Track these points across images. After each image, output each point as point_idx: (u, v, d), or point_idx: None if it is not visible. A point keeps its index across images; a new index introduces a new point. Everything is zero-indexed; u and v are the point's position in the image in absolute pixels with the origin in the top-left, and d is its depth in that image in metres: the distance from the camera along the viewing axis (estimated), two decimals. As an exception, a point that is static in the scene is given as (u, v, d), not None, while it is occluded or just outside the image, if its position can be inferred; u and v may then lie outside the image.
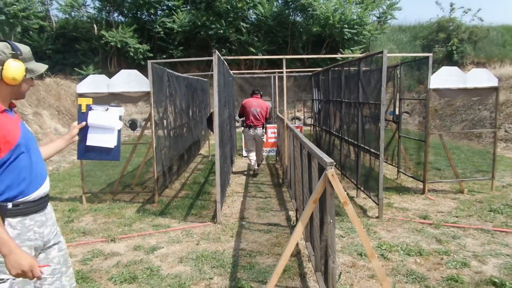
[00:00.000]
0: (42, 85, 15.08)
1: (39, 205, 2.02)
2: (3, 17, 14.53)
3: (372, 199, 5.66)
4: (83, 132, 2.41)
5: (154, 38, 19.85)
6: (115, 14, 20.40)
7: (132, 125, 17.02)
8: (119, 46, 17.55)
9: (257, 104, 7.84)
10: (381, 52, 5.03)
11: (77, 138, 2.40)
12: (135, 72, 6.14)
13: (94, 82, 6.06)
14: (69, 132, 2.38)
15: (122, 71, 6.25)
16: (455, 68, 6.34)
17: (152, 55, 19.19)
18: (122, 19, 20.33)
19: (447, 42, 21.79)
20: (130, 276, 3.72)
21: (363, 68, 5.91)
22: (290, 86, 17.32)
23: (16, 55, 1.91)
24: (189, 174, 8.66)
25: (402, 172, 7.39)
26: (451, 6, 22.42)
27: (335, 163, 2.51)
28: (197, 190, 7.18)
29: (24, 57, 1.95)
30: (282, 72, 6.66)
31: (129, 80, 6.09)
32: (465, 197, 6.28)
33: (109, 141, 2.44)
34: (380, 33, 20.55)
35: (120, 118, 2.49)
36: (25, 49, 1.98)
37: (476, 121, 13.28)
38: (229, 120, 7.91)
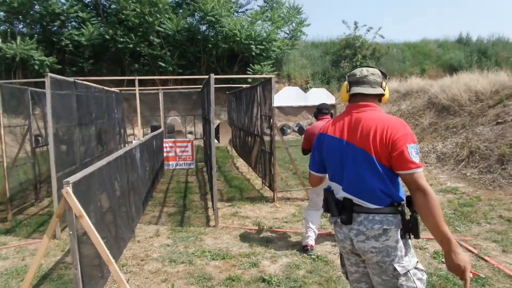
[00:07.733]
0: None
1: None
2: None
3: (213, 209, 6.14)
4: None
5: (63, 51, 19.39)
6: (20, 26, 19.68)
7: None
8: (18, 59, 16.93)
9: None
10: (209, 76, 5.57)
11: None
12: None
13: None
14: None
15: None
16: (297, 88, 7.10)
17: (60, 67, 18.73)
18: (28, 30, 19.60)
19: (353, 58, 23.57)
20: None
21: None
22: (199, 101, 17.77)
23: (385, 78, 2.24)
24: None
25: (264, 183, 8.01)
26: (355, 24, 24.32)
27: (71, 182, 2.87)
28: (62, 206, 7.26)
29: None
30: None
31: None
32: (308, 204, 6.96)
33: None
34: (290, 48, 21.69)
35: None
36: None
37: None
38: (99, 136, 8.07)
